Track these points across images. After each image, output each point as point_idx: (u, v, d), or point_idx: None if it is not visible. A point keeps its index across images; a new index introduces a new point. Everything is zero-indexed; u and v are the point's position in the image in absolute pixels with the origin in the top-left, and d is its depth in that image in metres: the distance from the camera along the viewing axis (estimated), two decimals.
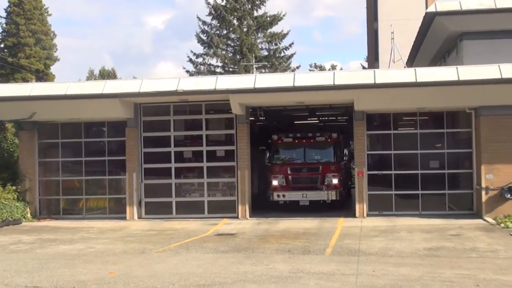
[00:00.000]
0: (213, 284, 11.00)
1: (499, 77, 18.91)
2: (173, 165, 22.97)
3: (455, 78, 19.23)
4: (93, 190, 23.99)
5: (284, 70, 55.56)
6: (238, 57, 55.95)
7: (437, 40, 24.50)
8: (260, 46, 57.19)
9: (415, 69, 20.38)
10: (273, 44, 57.26)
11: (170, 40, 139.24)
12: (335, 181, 23.48)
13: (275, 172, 23.94)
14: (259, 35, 57.36)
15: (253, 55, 54.17)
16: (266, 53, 57.30)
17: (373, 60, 47.98)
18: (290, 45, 57.79)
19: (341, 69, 78.39)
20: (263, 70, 54.93)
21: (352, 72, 28.15)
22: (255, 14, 56.78)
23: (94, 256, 14.54)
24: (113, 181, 23.82)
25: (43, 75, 54.75)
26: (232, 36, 56.94)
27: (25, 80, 50.10)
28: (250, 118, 23.05)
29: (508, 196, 19.68)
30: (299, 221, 20.62)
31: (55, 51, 59.19)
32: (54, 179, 24.07)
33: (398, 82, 19.78)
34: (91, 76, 78.92)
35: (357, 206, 21.32)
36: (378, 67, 40.52)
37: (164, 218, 22.36)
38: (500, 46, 21.60)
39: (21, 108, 22.21)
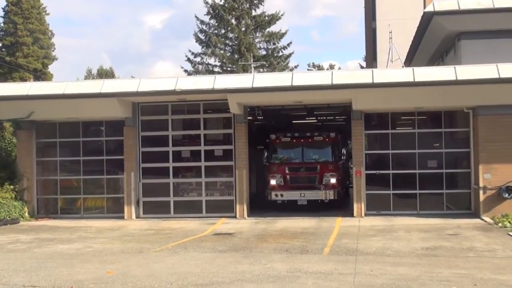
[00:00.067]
0: (211, 284, 11.00)
1: (497, 76, 18.94)
2: (171, 164, 22.96)
3: (453, 77, 19.26)
4: (91, 190, 23.98)
5: (282, 70, 55.56)
6: (236, 56, 55.94)
7: (435, 40, 24.52)
8: (258, 46, 57.21)
9: (413, 69, 20.38)
10: (271, 43, 57.27)
11: (168, 39, 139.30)
12: (333, 180, 23.49)
13: (273, 172, 23.94)
14: (257, 34, 57.36)
15: (251, 54, 54.16)
16: (264, 52, 57.31)
17: (371, 60, 48.07)
18: (288, 45, 57.85)
19: (339, 68, 78.55)
20: (261, 70, 54.92)
21: (350, 71, 28.17)
22: (253, 13, 56.78)
23: (92, 256, 14.53)
24: (111, 181, 23.81)
25: (41, 75, 54.70)
26: (230, 35, 56.94)
27: (23, 79, 50.05)
28: (248, 118, 23.04)
29: (506, 195, 19.71)
30: (297, 221, 20.63)
31: (53, 50, 59.17)
32: (52, 179, 24.06)
33: (396, 81, 19.80)
34: (89, 76, 78.86)
35: (355, 206, 21.33)
36: (376, 67, 40.64)
37: (162, 218, 22.36)
38: (498, 45, 21.64)
39: (19, 107, 22.19)
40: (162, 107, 22.90)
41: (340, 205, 23.45)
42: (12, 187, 22.94)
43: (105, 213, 23.47)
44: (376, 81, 19.79)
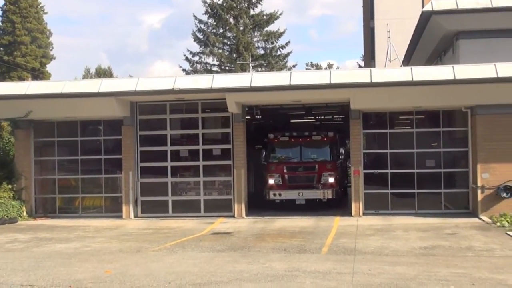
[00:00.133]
0: (209, 283, 11.00)
1: (495, 76, 18.94)
2: (169, 163, 22.95)
3: (451, 77, 19.27)
4: (89, 189, 23.95)
5: (281, 69, 55.58)
6: (234, 55, 55.99)
7: (433, 39, 24.53)
8: (256, 45, 57.28)
9: (411, 68, 20.39)
10: (270, 42, 57.34)
11: (166, 38, 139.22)
12: (331, 180, 23.49)
13: (272, 171, 23.94)
14: (256, 33, 57.42)
15: (250, 53, 54.21)
16: (262, 51, 57.37)
17: (369, 59, 48.07)
18: (286, 44, 57.92)
19: (338, 68, 78.64)
20: (259, 69, 54.98)
21: (349, 71, 28.19)
22: (252, 12, 56.83)
23: (90, 255, 14.52)
24: (109, 180, 23.80)
25: (39, 74, 54.68)
26: (229, 34, 56.99)
27: (21, 78, 50.08)
28: (247, 117, 23.02)
29: (504, 195, 19.72)
30: (295, 220, 20.63)
31: (51, 50, 59.17)
32: (50, 178, 24.04)
33: (394, 81, 19.81)
34: (87, 75, 78.83)
35: (353, 205, 21.33)
36: (374, 66, 40.62)
37: (160, 217, 22.35)
38: (496, 45, 21.63)
39: (17, 106, 22.17)
40: (160, 106, 22.88)
41: (338, 205, 23.44)
42: (10, 186, 22.91)
43: (103, 212, 23.45)
44: (374, 80, 19.79)
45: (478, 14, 21.57)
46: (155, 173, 23.25)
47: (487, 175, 20.00)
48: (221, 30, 57.04)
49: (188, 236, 17.38)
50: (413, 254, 13.76)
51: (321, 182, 23.45)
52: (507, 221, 18.44)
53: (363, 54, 59.65)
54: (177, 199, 23.14)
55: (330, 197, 23.22)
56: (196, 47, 58.51)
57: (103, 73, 78.63)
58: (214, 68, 56.80)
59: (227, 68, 56.19)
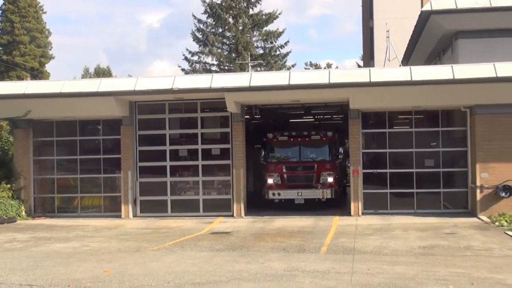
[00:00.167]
0: (208, 283, 10.99)
1: (494, 75, 18.95)
2: (168, 163, 22.95)
3: (450, 76, 19.27)
4: (88, 188, 23.93)
5: (280, 69, 55.58)
6: (233, 55, 56.01)
7: (432, 39, 24.53)
8: (255, 45, 57.32)
9: (410, 68, 20.40)
10: (269, 42, 57.37)
11: (165, 38, 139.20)
12: (330, 179, 23.49)
13: (270, 171, 23.95)
14: (255, 33, 57.44)
15: (249, 53, 54.21)
16: (261, 51, 57.40)
17: (368, 59, 48.05)
18: (285, 44, 57.95)
19: (337, 67, 78.52)
20: (258, 69, 55.00)
21: (348, 70, 28.20)
22: (251, 12, 56.86)
23: (89, 255, 14.52)
24: (108, 179, 23.79)
25: (38, 73, 54.68)
26: (228, 34, 57.00)
27: (20, 78, 50.02)
28: (246, 117, 23.03)
29: (503, 194, 19.72)
30: (294, 220, 20.63)
31: (50, 49, 59.21)
32: (49, 177, 24.02)
33: (393, 80, 19.81)
34: (86, 74, 78.84)
35: (352, 205, 21.33)
36: (373, 66, 40.59)
37: (159, 217, 22.35)
38: (495, 44, 21.62)
39: (16, 106, 22.15)
40: (159, 106, 22.87)
41: (337, 204, 23.44)
42: (9, 186, 22.90)
43: (102, 212, 23.44)
44: (373, 80, 19.79)
45: (477, 13, 21.56)
46: (154, 173, 23.24)
47: (486, 175, 20.00)
48: (220, 30, 57.06)
49: (187, 236, 17.38)
50: (412, 254, 13.76)
51: (320, 182, 23.46)
52: (506, 221, 18.45)
53: (362, 53, 59.61)
54: (176, 199, 23.13)
55: (329, 196, 23.22)
56: (195, 47, 58.58)
57: (102, 72, 78.59)
58: (213, 68, 56.83)
59: (226, 67, 56.20)
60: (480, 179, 20.08)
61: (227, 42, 57.30)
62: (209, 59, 57.20)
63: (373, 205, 21.69)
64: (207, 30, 56.63)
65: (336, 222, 19.76)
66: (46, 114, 22.86)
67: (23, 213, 22.86)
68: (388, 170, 21.90)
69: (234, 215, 21.82)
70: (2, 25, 54.93)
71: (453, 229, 17.54)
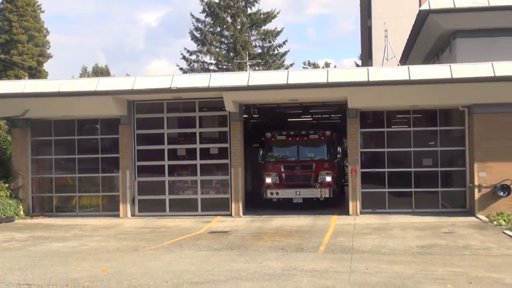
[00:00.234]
0: (206, 282, 10.99)
1: (492, 75, 18.96)
2: (166, 162, 22.94)
3: (448, 76, 19.28)
4: (86, 188, 23.93)
5: (278, 68, 55.60)
6: (231, 54, 55.98)
7: (431, 38, 24.54)
8: (253, 44, 57.28)
9: (408, 67, 20.40)
10: (267, 41, 57.34)
11: (163, 37, 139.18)
12: (328, 178, 23.49)
13: (269, 170, 23.94)
14: (253, 32, 57.43)
15: (247, 52, 54.19)
16: (259, 50, 57.39)
17: (366, 58, 48.00)
18: (283, 43, 57.93)
19: (335, 66, 78.54)
20: (256, 68, 54.98)
21: (346, 69, 28.23)
22: (249, 11, 56.83)
23: (87, 254, 14.51)
24: (106, 179, 23.78)
25: (36, 72, 54.62)
26: (226, 33, 56.97)
27: (18, 77, 49.96)
28: (244, 116, 23.03)
29: (501, 193, 19.74)
30: (293, 219, 20.63)
31: (48, 48, 59.17)
32: (47, 177, 24.01)
33: (392, 80, 19.82)
34: (84, 73, 78.78)
35: (351, 204, 21.34)
36: (371, 65, 40.53)
37: (157, 216, 22.34)
38: (493, 44, 21.64)
39: (14, 105, 22.13)
40: (158, 105, 22.86)
41: (335, 203, 23.45)
42: (7, 185, 22.88)
43: (101, 211, 23.43)
44: (371, 79, 19.79)
45: (475, 13, 21.57)
46: (152, 172, 23.24)
47: (484, 174, 20.02)
48: (218, 29, 57.03)
49: (185, 235, 17.37)
50: (410, 253, 13.77)
51: (318, 181, 23.46)
52: (504, 220, 18.47)
53: (360, 53, 59.64)
54: (174, 198, 23.13)
55: (327, 196, 23.22)
56: (193, 46, 58.53)
57: (100, 72, 78.59)
58: (212, 67, 56.81)
59: (224, 67, 56.19)
60: (478, 178, 20.10)
61: (225, 41, 57.29)
62: (207, 58, 57.24)
63: (371, 204, 21.70)
64: (205, 29, 56.60)
65: (334, 221, 19.77)
66: (44, 113, 22.84)
67: (21, 212, 22.84)
68: (386, 170, 21.91)
69: (232, 214, 21.82)
70: (0, 24, 54.84)
71: (451, 228, 17.55)
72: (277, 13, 56.70)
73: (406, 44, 28.71)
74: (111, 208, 23.13)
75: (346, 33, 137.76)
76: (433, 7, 21.77)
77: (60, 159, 24.12)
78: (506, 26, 21.63)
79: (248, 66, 52.78)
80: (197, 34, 56.66)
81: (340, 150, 25.27)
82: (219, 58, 56.43)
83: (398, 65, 31.10)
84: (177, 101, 22.57)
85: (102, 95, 21.29)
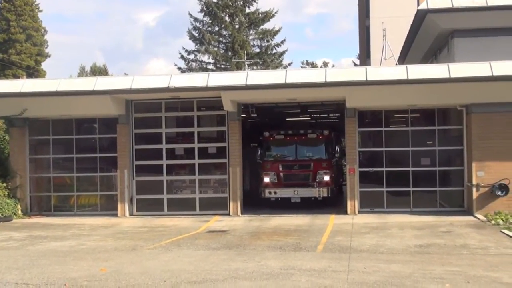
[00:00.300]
0: (204, 281, 10.99)
1: (490, 74, 18.97)
2: (164, 162, 22.93)
3: (446, 75, 19.29)
4: (84, 187, 23.92)
5: (276, 67, 55.55)
6: (230, 54, 55.89)
7: (429, 38, 24.56)
8: (252, 43, 57.18)
9: (406, 67, 20.41)
10: (265, 41, 57.23)
11: (161, 37, 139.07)
12: (326, 178, 23.50)
13: (267, 169, 23.94)
14: (251, 32, 57.33)
15: (245, 52, 54.09)
16: (258, 50, 57.29)
17: (364, 57, 48.07)
18: (282, 42, 57.81)
19: (333, 66, 78.57)
20: (255, 67, 54.90)
21: (344, 69, 28.17)
22: (247, 11, 56.73)
23: (85, 253, 14.51)
24: (105, 178, 23.76)
25: (34, 72, 54.56)
26: (224, 33, 56.88)
27: (16, 76, 49.94)
28: (242, 115, 23.02)
29: (499, 193, 19.76)
30: (291, 218, 20.63)
31: (46, 48, 59.06)
32: (45, 176, 23.99)
33: (390, 79, 19.82)
34: (82, 73, 78.67)
35: (349, 203, 21.36)
36: (369, 64, 40.63)
37: (155, 215, 22.35)
38: (491, 43, 21.67)
39: (12, 104, 22.12)
40: (156, 104, 22.86)
41: (333, 203, 23.46)
42: (5, 184, 22.87)
43: (99, 210, 23.42)
44: (369, 78, 19.80)
45: (473, 12, 21.60)
46: (150, 171, 23.23)
47: (482, 173, 20.04)
48: (217, 28, 56.94)
49: (183, 234, 17.37)
50: (408, 252, 13.78)
51: (317, 180, 23.46)
52: (502, 219, 18.50)
53: (358, 52, 59.72)
54: (173, 197, 23.13)
55: (325, 195, 23.23)
56: (191, 45, 58.44)
57: (98, 71, 78.48)
58: (210, 66, 56.73)
59: (222, 66, 56.12)
60: (476, 177, 20.12)
61: (224, 41, 57.21)
62: (205, 58, 57.11)
63: (369, 204, 21.71)
64: (204, 28, 56.53)
65: (332, 220, 19.78)
66: (42, 113, 22.83)
67: (19, 211, 22.83)
68: (384, 169, 21.94)
69: (231, 213, 21.82)
70: None
71: (449, 228, 17.57)
72: (275, 12, 56.65)
73: (404, 43, 28.75)
74: (109, 207, 23.13)
75: (344, 32, 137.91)
76: (431, 6, 21.80)
77: (58, 158, 24.10)
78: (504, 25, 21.67)
79: (246, 65, 52.69)
80: (195, 34, 56.58)
81: (338, 150, 25.28)
82: (217, 58, 56.37)
83: (396, 64, 31.08)
84: (175, 100, 22.55)
85: (100, 95, 21.27)
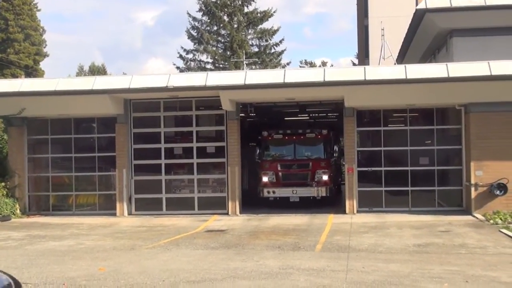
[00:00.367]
0: (203, 281, 10.99)
1: (489, 74, 18.99)
2: (163, 161, 22.93)
3: (444, 75, 19.31)
4: (83, 186, 23.90)
5: (275, 67, 55.57)
6: (228, 53, 55.91)
7: (427, 37, 24.57)
8: (250, 42, 57.21)
9: (405, 66, 20.43)
10: (264, 40, 57.27)
11: (160, 36, 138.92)
12: (325, 177, 23.50)
13: (265, 169, 23.94)
14: (250, 31, 57.36)
15: (244, 51, 54.10)
16: (256, 49, 57.33)
17: (363, 57, 48.07)
18: (280, 42, 57.87)
19: (332, 65, 78.51)
20: (253, 67, 54.90)
21: (343, 68, 28.21)
22: (246, 10, 56.76)
23: (83, 253, 14.50)
24: (103, 178, 23.75)
25: (32, 71, 54.47)
26: (223, 32, 56.90)
27: (14, 76, 49.80)
28: (241, 115, 23.02)
29: (497, 192, 19.77)
30: (289, 218, 20.63)
31: (44, 47, 58.95)
32: (43, 175, 23.98)
33: (388, 78, 19.84)
34: (81, 72, 78.66)
35: (347, 203, 21.36)
36: (368, 64, 40.65)
37: (154, 215, 22.34)
38: (490, 43, 21.70)
39: (10, 104, 22.11)
40: (154, 104, 22.85)
41: (332, 202, 23.46)
42: (3, 184, 22.84)
43: (97, 210, 23.41)
44: (368, 78, 19.81)
45: (471, 12, 21.62)
46: (149, 171, 23.22)
47: (481, 173, 20.05)
48: (215, 28, 56.95)
49: (182, 234, 17.37)
50: (407, 252, 13.79)
51: (315, 180, 23.47)
52: (501, 219, 18.50)
53: (357, 52, 59.66)
54: (171, 197, 23.13)
55: (324, 194, 23.24)
56: (190, 45, 58.53)
57: (97, 70, 78.43)
58: (208, 66, 56.75)
59: (221, 65, 56.13)
60: (474, 177, 20.13)
61: (222, 40, 57.23)
62: (204, 57, 57.14)
63: (368, 203, 21.72)
64: (202, 28, 56.53)
65: (331, 220, 19.78)
66: (40, 112, 22.81)
67: (18, 211, 22.80)
68: (383, 168, 21.95)
69: (229, 213, 21.83)
70: None
71: (448, 227, 17.57)
72: (274, 12, 56.73)
73: (403, 43, 28.76)
74: (107, 207, 23.12)
75: (343, 32, 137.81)
76: (429, 6, 21.82)
77: (56, 157, 24.09)
78: (502, 25, 21.69)
79: (245, 65, 52.68)
80: (194, 33, 56.59)
81: (337, 149, 25.31)
82: (216, 57, 56.38)
83: (395, 64, 31.08)
84: (173, 100, 22.56)
85: (98, 94, 21.27)
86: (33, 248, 15.49)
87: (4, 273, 6.21)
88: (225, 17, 56.32)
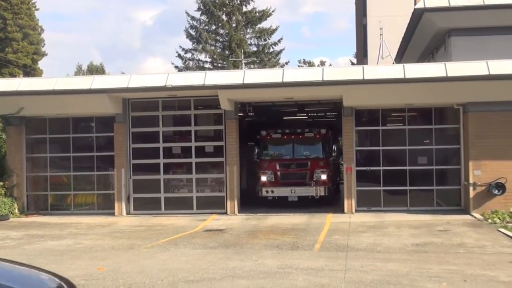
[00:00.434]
0: (201, 280, 10.98)
1: (487, 73, 19.00)
2: (161, 160, 22.93)
3: (443, 74, 19.31)
4: (81, 186, 23.87)
5: (273, 66, 55.60)
6: (227, 52, 55.94)
7: (426, 37, 24.58)
8: (249, 42, 57.27)
9: (403, 65, 20.45)
10: (262, 39, 57.34)
11: (158, 35, 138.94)
12: (323, 177, 23.50)
13: (264, 168, 23.94)
14: (248, 30, 57.40)
15: (242, 50, 54.12)
16: (255, 48, 57.39)
17: (361, 56, 48.07)
18: (279, 41, 57.93)
19: (330, 65, 78.53)
20: (252, 66, 54.92)
21: (341, 68, 28.18)
22: (244, 9, 56.79)
23: (82, 252, 14.49)
24: (102, 177, 23.73)
25: (30, 70, 54.44)
26: (221, 31, 56.93)
27: (12, 75, 49.75)
28: (239, 114, 23.03)
29: (496, 192, 19.78)
30: (288, 217, 20.63)
31: (42, 46, 58.93)
32: (42, 175, 23.95)
33: (387, 78, 19.85)
34: (79, 71, 78.67)
35: (346, 202, 21.37)
36: (367, 63, 40.63)
37: (152, 214, 22.33)
38: (488, 42, 21.71)
39: (8, 103, 22.08)
40: (153, 103, 22.84)
41: (330, 202, 23.47)
42: (1, 183, 22.82)
43: (96, 209, 23.38)
44: (366, 77, 19.82)
45: (470, 11, 21.64)
46: (147, 170, 23.22)
47: (479, 172, 20.06)
48: (214, 27, 56.97)
49: (180, 233, 17.36)
50: (405, 251, 13.79)
51: (314, 179, 23.45)
52: (499, 218, 18.51)
53: (355, 51, 59.67)
54: (170, 196, 23.12)
55: (322, 194, 23.24)
56: (188, 44, 58.52)
57: (95, 70, 78.47)
58: (207, 65, 56.75)
59: (219, 65, 56.16)
60: (473, 176, 20.14)
61: (221, 40, 57.26)
62: (202, 57, 57.21)
63: (366, 203, 21.73)
64: (201, 27, 56.55)
65: (329, 219, 19.78)
66: (39, 111, 22.78)
67: (16, 210, 22.78)
68: (381, 168, 21.95)
69: (228, 212, 21.82)
70: None
71: (446, 227, 17.58)
72: (272, 11, 56.83)
73: (401, 42, 28.77)
74: (106, 206, 23.10)
75: (341, 31, 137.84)
76: (428, 5, 21.83)
77: (55, 157, 24.06)
78: (501, 24, 21.71)
79: (244, 64, 52.72)
80: (192, 32, 56.60)
81: (335, 148, 25.30)
82: (214, 56, 56.40)
83: (393, 63, 31.12)
84: (172, 99, 22.55)
85: (97, 93, 21.25)
86: (31, 247, 15.48)
87: (56, 275, 5.90)
88: (224, 17, 56.35)
